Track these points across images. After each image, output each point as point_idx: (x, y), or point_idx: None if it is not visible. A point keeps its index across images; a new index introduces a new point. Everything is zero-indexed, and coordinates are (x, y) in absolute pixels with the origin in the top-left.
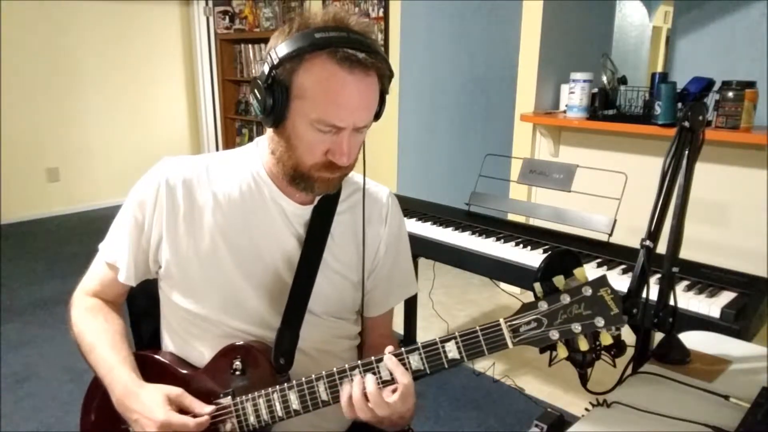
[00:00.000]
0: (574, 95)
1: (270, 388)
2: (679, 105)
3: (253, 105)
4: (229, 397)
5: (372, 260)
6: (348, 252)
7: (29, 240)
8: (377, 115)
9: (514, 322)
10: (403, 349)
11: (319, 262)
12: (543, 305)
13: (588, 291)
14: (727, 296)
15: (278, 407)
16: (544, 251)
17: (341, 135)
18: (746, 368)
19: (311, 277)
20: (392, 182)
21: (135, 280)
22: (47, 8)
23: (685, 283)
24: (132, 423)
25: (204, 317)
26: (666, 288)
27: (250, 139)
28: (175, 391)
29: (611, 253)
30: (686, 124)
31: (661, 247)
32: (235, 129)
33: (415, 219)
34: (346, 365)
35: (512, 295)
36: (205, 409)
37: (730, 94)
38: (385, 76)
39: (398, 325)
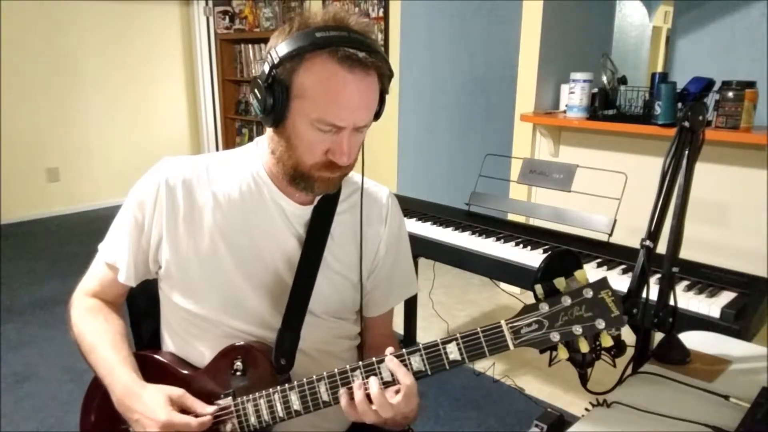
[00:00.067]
0: (574, 95)
1: (271, 389)
2: (679, 105)
3: (253, 105)
4: (230, 397)
5: (372, 260)
6: (348, 252)
7: (29, 240)
8: (377, 115)
9: (515, 324)
10: (404, 350)
11: (320, 263)
12: (544, 307)
13: (589, 293)
14: (727, 296)
15: (279, 408)
16: (544, 251)
17: (341, 134)
18: (746, 368)
19: (311, 277)
20: (392, 182)
21: (135, 281)
22: (47, 8)
23: (685, 283)
24: (133, 423)
25: (204, 317)
26: (666, 288)
27: (250, 139)
28: (177, 391)
29: (611, 253)
30: (686, 124)
31: (661, 247)
32: (235, 129)
33: (415, 219)
34: (348, 366)
35: (512, 295)
36: (207, 409)
37: (730, 94)
38: (385, 76)
39: (398, 325)
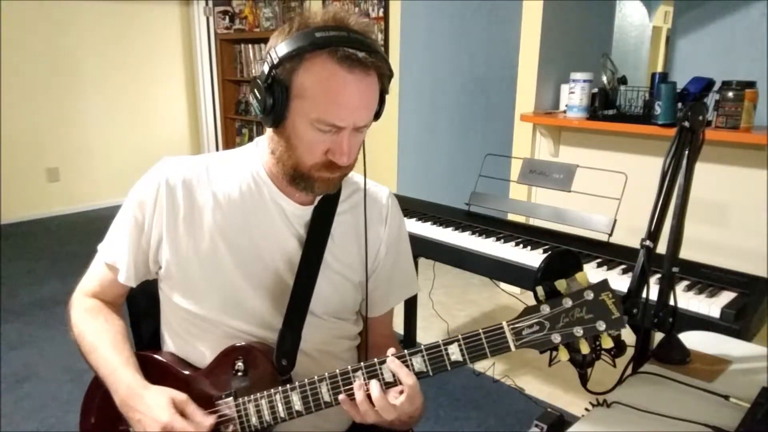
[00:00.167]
0: (574, 95)
1: (272, 389)
2: (679, 105)
3: (253, 105)
4: (231, 398)
5: (372, 261)
6: (349, 252)
7: (29, 240)
8: (377, 115)
9: (516, 325)
10: (405, 351)
11: (320, 263)
12: (545, 308)
13: (590, 295)
14: (727, 296)
15: (281, 408)
16: (544, 251)
17: (341, 134)
18: (746, 368)
19: (312, 277)
20: (392, 182)
21: (135, 281)
22: (47, 8)
23: (685, 283)
24: (134, 423)
25: (204, 317)
26: (666, 288)
27: (250, 139)
28: (181, 396)
29: (611, 253)
30: (686, 124)
31: (661, 247)
32: (235, 129)
33: (415, 219)
34: (349, 367)
35: (512, 295)
36: (208, 420)
37: (730, 94)
38: (385, 76)
39: (398, 325)
